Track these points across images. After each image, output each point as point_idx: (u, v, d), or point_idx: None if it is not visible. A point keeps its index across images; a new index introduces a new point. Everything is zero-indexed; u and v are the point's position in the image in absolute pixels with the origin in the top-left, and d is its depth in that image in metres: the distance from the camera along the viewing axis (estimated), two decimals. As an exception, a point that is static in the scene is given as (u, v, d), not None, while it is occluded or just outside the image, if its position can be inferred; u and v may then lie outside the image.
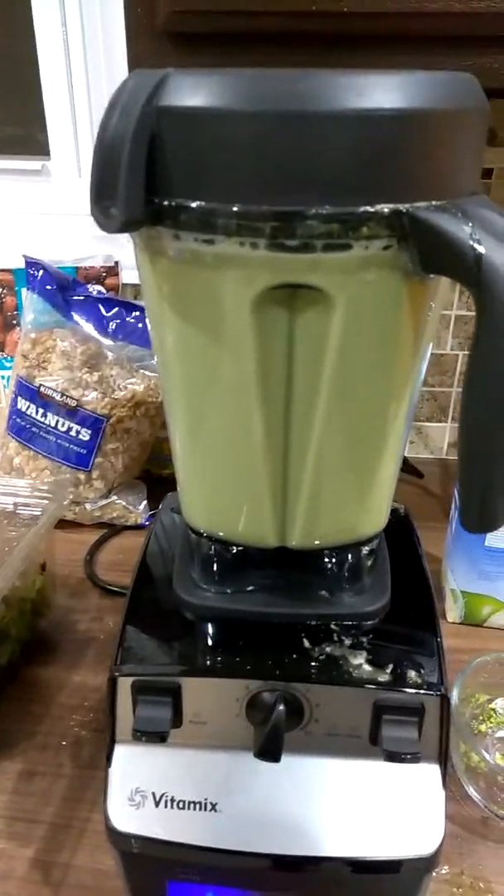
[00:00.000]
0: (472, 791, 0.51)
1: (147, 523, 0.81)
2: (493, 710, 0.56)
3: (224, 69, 0.29)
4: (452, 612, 0.67)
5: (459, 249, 0.28)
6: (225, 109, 0.28)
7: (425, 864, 0.39)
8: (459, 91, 0.30)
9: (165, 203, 0.30)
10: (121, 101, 0.30)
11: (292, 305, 0.32)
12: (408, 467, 0.87)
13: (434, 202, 0.29)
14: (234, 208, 0.29)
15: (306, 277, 0.31)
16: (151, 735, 0.39)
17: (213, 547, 0.42)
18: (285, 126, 0.28)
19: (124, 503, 0.80)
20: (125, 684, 0.40)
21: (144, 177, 0.30)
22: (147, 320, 0.40)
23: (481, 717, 0.56)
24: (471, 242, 0.28)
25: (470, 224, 0.28)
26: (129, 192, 0.29)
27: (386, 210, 0.29)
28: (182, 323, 0.35)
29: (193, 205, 0.30)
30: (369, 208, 0.29)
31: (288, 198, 0.29)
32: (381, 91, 0.27)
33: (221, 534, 0.42)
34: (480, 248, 0.28)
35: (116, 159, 0.29)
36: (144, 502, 0.82)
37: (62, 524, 0.78)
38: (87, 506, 0.79)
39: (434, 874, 0.42)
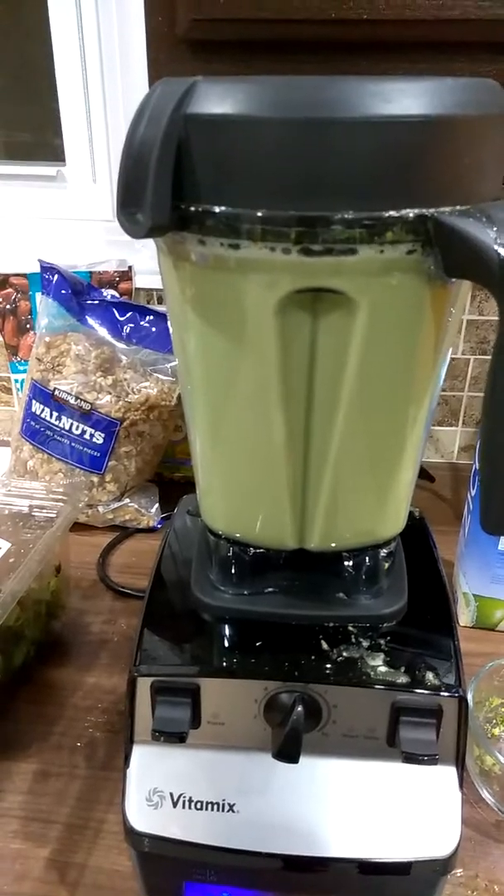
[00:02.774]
0: (486, 794, 0.51)
1: (159, 526, 0.81)
2: (507, 714, 0.56)
3: (251, 77, 0.29)
4: (464, 615, 0.67)
5: (484, 254, 0.28)
6: (253, 117, 0.28)
7: (442, 866, 0.39)
8: (484, 96, 0.30)
9: (192, 209, 0.31)
10: (149, 109, 0.30)
11: (315, 309, 0.33)
12: (419, 471, 0.87)
13: (458, 207, 0.30)
14: (260, 213, 0.30)
15: (330, 281, 0.31)
16: (170, 735, 0.39)
17: (231, 549, 0.43)
18: (313, 132, 0.28)
19: (137, 506, 0.81)
20: (144, 685, 0.40)
21: (172, 183, 0.30)
22: (169, 324, 0.40)
23: (495, 721, 0.56)
24: (495, 247, 0.28)
25: (494, 228, 0.28)
26: (157, 198, 0.30)
27: (411, 215, 0.29)
28: (205, 326, 0.35)
29: (219, 210, 0.30)
30: (394, 213, 0.29)
31: (313, 203, 0.29)
32: (408, 97, 0.28)
33: (240, 535, 0.42)
34: (505, 253, 0.28)
35: (144, 166, 0.30)
36: (157, 505, 0.82)
37: (75, 526, 0.78)
38: (100, 508, 0.80)
39: (448, 876, 0.42)
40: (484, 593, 0.65)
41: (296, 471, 0.38)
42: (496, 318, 0.87)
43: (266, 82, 0.29)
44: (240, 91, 0.29)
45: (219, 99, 0.29)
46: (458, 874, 0.47)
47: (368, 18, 0.47)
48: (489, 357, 0.96)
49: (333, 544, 0.42)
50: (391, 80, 0.28)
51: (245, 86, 0.29)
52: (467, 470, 0.93)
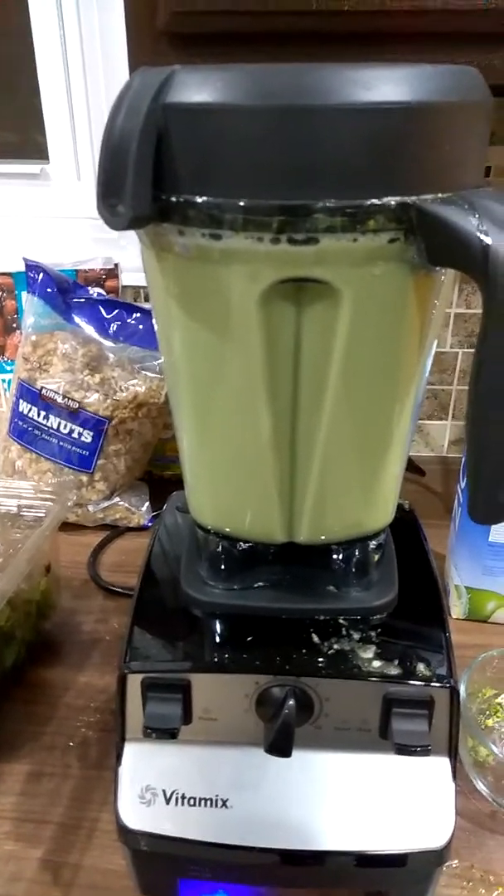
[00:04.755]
0: (480, 785, 0.51)
1: (149, 524, 0.81)
2: (500, 704, 0.56)
3: (230, 65, 0.29)
4: (456, 608, 0.67)
5: (466, 241, 0.28)
6: (231, 105, 0.28)
7: (437, 857, 0.39)
8: (465, 84, 0.30)
9: (173, 199, 0.31)
10: (127, 99, 0.30)
11: (299, 300, 0.33)
12: (409, 465, 0.87)
13: (441, 194, 0.30)
14: (241, 203, 0.30)
15: (313, 271, 0.31)
16: (162, 732, 0.39)
17: (220, 543, 0.43)
18: (292, 120, 0.28)
19: (127, 505, 0.80)
20: (135, 681, 0.40)
21: (152, 174, 0.30)
22: (153, 319, 0.40)
23: (488, 712, 0.56)
24: (478, 234, 0.28)
25: (476, 215, 0.28)
26: (137, 189, 0.30)
27: (393, 203, 0.29)
28: (189, 320, 0.35)
29: (200, 200, 0.30)
30: (376, 201, 0.29)
31: (295, 192, 0.29)
32: (389, 84, 0.28)
33: (229, 530, 0.42)
34: (487, 240, 0.28)
35: (123, 157, 0.30)
36: (147, 503, 0.82)
37: (65, 526, 0.77)
38: (90, 507, 0.79)
39: (444, 867, 0.42)
40: (475, 585, 0.66)
41: (283, 464, 0.38)
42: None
43: (244, 70, 0.29)
44: (218, 79, 0.28)
45: (197, 87, 0.29)
46: (454, 865, 0.47)
47: (350, 10, 0.47)
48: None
49: (322, 537, 0.41)
50: (371, 68, 0.28)
51: (223, 74, 0.28)
52: (457, 463, 0.93)
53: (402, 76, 0.28)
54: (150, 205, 0.30)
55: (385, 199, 0.29)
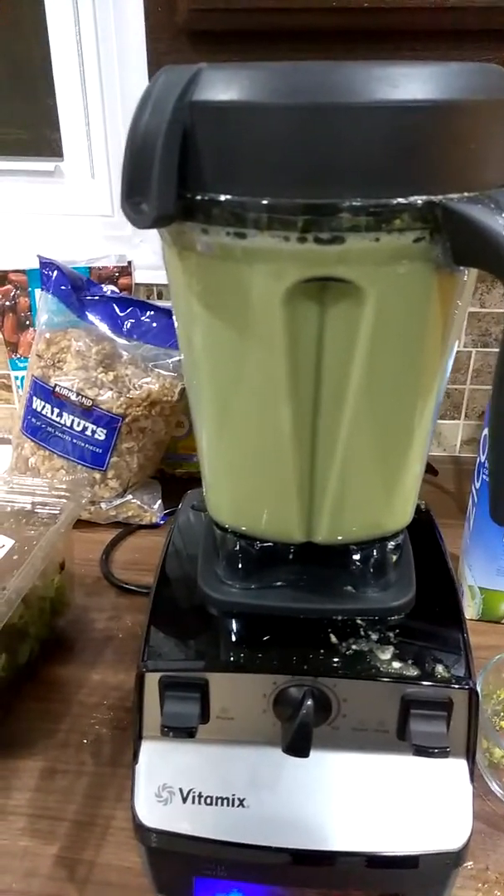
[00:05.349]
0: (495, 787, 0.50)
1: (162, 522, 0.81)
2: (515, 706, 0.56)
3: (256, 63, 0.29)
4: (470, 608, 0.67)
5: (493, 240, 0.28)
6: (258, 103, 0.28)
7: (454, 859, 0.39)
8: (491, 82, 0.30)
9: (197, 198, 0.30)
10: (153, 97, 0.30)
11: (323, 299, 0.33)
12: (422, 465, 0.87)
13: (466, 193, 0.29)
14: (266, 202, 0.29)
15: (338, 270, 0.31)
16: (180, 730, 0.38)
17: (238, 543, 0.42)
18: (319, 119, 0.28)
19: (139, 502, 0.81)
20: (153, 680, 0.40)
21: (176, 172, 0.30)
22: (174, 316, 0.40)
23: (503, 714, 0.56)
24: (504, 233, 0.28)
25: (503, 215, 0.28)
26: (162, 187, 0.30)
27: (419, 202, 0.29)
28: (211, 318, 0.35)
29: (224, 199, 0.30)
30: (402, 200, 0.29)
31: (320, 191, 0.29)
32: (415, 82, 0.27)
33: (247, 529, 0.42)
34: (514, 239, 0.28)
35: (149, 155, 0.29)
36: (159, 501, 0.82)
37: (77, 523, 0.77)
38: (103, 505, 0.79)
39: (459, 869, 0.42)
40: (489, 586, 0.65)
41: (303, 463, 0.38)
42: (498, 310, 0.86)
43: (272, 68, 0.28)
44: (245, 77, 0.28)
45: (224, 86, 0.28)
46: (469, 867, 0.46)
47: (370, 6, 0.47)
48: (491, 350, 0.95)
49: (340, 537, 0.41)
50: (397, 65, 0.28)
51: (250, 72, 0.28)
52: (470, 463, 0.93)
53: (429, 74, 0.28)
54: (175, 203, 0.30)
55: (411, 199, 0.29)
